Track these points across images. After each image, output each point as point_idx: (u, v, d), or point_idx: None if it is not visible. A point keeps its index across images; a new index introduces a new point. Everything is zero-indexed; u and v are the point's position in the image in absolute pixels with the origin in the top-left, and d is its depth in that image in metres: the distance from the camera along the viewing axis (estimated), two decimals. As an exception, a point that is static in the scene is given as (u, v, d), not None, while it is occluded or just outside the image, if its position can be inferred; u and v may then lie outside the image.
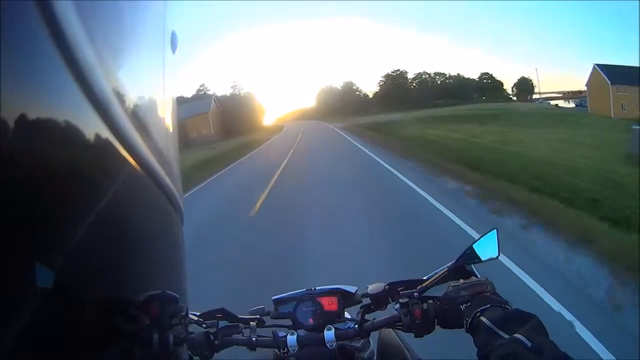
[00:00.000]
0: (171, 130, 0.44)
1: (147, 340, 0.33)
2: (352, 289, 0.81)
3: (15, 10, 0.18)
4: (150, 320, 0.35)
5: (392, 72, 70.15)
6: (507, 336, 0.50)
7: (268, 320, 0.82)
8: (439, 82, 70.54)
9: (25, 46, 0.19)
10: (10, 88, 0.17)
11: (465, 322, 0.59)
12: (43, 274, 0.19)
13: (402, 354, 0.84)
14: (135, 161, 0.29)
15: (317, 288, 0.81)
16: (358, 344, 0.78)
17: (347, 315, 0.82)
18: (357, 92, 70.36)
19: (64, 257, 0.21)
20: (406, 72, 70.08)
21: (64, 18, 0.20)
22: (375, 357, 0.83)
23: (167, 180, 0.37)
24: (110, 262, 0.26)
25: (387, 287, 0.77)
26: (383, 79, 69.62)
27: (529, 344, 0.47)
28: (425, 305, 0.70)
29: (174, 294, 0.41)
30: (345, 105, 61.66)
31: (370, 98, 67.82)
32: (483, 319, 0.56)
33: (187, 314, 0.51)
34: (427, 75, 70.28)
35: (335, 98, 66.48)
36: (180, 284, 0.44)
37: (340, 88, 70.75)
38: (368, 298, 0.78)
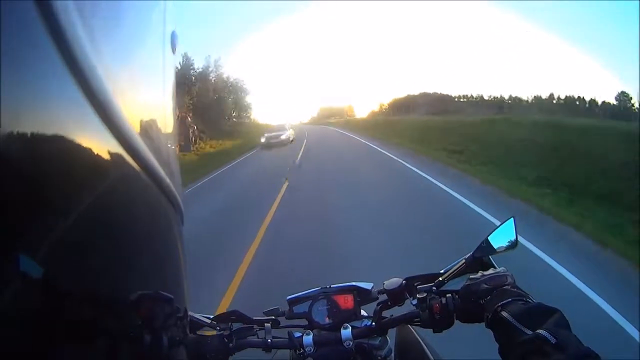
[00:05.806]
0: (171, 130, 0.44)
1: (137, 341, 0.32)
2: (367, 285, 0.79)
3: (15, 10, 0.18)
4: (142, 321, 0.34)
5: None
6: (529, 332, 0.48)
7: (283, 320, 0.80)
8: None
9: (25, 46, 0.19)
10: (10, 88, 0.17)
11: (485, 317, 0.57)
12: (28, 266, 0.19)
13: (420, 350, 0.82)
14: (135, 161, 0.29)
15: (332, 286, 0.80)
16: (375, 341, 0.76)
17: (362, 312, 0.81)
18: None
19: (51, 251, 0.20)
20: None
21: (64, 18, 0.20)
22: (393, 355, 0.82)
23: (167, 180, 0.37)
24: (103, 259, 0.26)
25: (404, 282, 0.75)
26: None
27: (553, 340, 0.45)
28: (443, 300, 0.68)
29: (169, 294, 0.40)
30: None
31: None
32: (504, 313, 0.54)
33: (185, 315, 0.50)
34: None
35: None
36: (179, 284, 0.44)
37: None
38: (384, 294, 0.76)
